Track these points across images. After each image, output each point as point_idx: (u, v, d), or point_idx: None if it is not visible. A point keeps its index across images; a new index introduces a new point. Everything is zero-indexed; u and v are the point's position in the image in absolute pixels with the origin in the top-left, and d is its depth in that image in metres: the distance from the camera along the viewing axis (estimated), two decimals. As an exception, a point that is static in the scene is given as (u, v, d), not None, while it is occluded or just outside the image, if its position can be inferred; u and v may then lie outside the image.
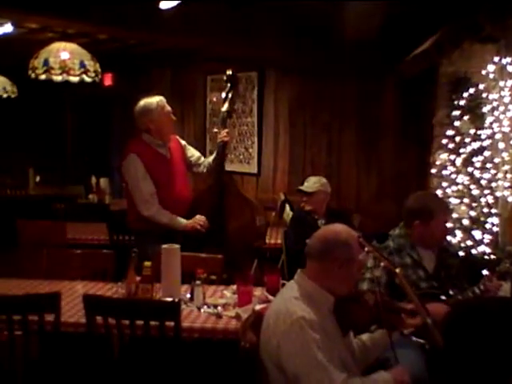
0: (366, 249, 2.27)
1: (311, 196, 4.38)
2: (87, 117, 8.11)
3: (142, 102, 3.90)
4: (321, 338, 2.09)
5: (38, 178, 7.17)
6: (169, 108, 3.94)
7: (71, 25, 4.91)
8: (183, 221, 3.85)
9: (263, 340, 2.22)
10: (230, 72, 4.16)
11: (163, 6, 4.23)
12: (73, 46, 4.94)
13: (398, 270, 2.50)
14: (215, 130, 4.27)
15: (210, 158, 4.14)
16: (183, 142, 4.16)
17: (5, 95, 6.66)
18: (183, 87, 7.28)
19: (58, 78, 4.87)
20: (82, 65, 4.85)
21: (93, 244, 4.69)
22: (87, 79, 4.96)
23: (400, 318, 2.30)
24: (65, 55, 4.80)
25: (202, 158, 4.18)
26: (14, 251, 4.61)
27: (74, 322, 2.82)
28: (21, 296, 2.84)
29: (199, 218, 3.87)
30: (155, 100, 3.89)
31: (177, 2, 4.21)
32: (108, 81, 7.74)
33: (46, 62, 4.78)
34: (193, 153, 4.16)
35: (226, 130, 4.10)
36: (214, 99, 6.97)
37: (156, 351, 2.65)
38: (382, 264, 2.65)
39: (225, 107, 4.13)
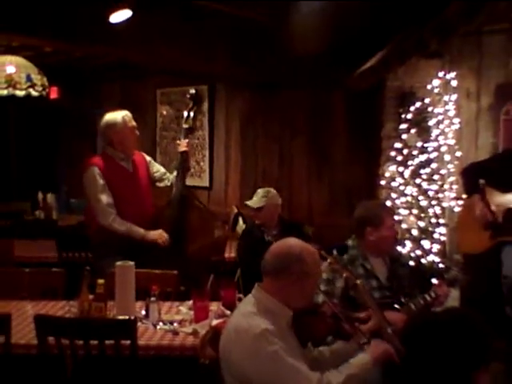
0: (328, 260, 2.30)
1: (259, 210, 4.39)
2: (33, 131, 7.92)
3: (108, 116, 3.99)
4: (285, 346, 2.10)
5: (-20, 195, 6.95)
6: (134, 123, 4.02)
7: (16, 38, 4.80)
8: (141, 231, 3.87)
9: (223, 355, 2.21)
10: (193, 91, 4.30)
11: (114, 19, 4.19)
12: (19, 59, 4.84)
13: (358, 282, 2.55)
14: (177, 142, 4.32)
15: (175, 173, 4.18)
16: (148, 158, 4.22)
17: None
18: (133, 101, 7.19)
19: (4, 92, 4.76)
20: (29, 79, 4.75)
21: (41, 262, 4.57)
22: (34, 93, 4.87)
23: (355, 327, 2.35)
24: (11, 69, 4.70)
25: (167, 174, 4.23)
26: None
27: (26, 344, 2.75)
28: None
29: (162, 234, 3.90)
30: (120, 114, 3.98)
31: (128, 16, 4.19)
32: (54, 94, 7.58)
33: (-10, 76, 4.67)
34: (158, 168, 4.22)
35: (186, 141, 4.17)
36: (164, 113, 6.95)
37: (112, 371, 2.61)
38: (344, 275, 2.69)
39: (187, 124, 4.24)
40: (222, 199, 6.40)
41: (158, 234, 3.90)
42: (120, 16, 4.14)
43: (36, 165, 7.97)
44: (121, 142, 3.94)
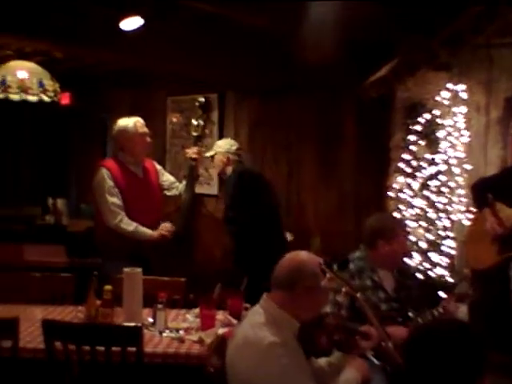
0: (328, 275, 2.31)
1: (212, 159, 4.62)
2: (44, 136, 7.97)
3: (120, 122, 4.05)
4: (293, 361, 2.11)
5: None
6: (146, 130, 4.07)
7: (27, 43, 4.83)
8: (149, 231, 3.90)
9: (230, 365, 2.22)
10: (202, 99, 4.32)
11: (124, 26, 4.22)
12: (31, 65, 4.88)
13: (358, 295, 2.55)
14: (186, 150, 4.36)
15: (184, 182, 4.22)
16: (158, 167, 4.27)
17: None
18: (143, 108, 7.20)
19: (16, 97, 4.80)
20: (41, 84, 4.79)
21: (51, 267, 4.58)
22: (46, 99, 4.91)
23: (355, 341, 2.35)
24: (22, 74, 4.74)
25: (177, 183, 4.27)
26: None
27: (33, 348, 2.76)
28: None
29: (164, 226, 3.95)
30: (132, 120, 4.03)
31: (139, 24, 4.21)
32: (65, 100, 7.63)
33: (3, 81, 4.71)
34: (168, 177, 4.27)
35: (196, 148, 4.19)
36: (174, 120, 6.97)
37: (118, 377, 2.61)
38: (343, 289, 2.69)
39: (196, 132, 4.27)
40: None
41: (162, 228, 3.94)
42: (131, 23, 4.16)
43: (47, 170, 8.03)
44: (132, 148, 3.98)
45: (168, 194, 4.21)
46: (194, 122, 4.31)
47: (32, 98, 4.85)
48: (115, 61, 5.70)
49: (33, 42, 4.81)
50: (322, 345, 2.28)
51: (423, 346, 1.73)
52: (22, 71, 4.77)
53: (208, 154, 4.63)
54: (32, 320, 3.07)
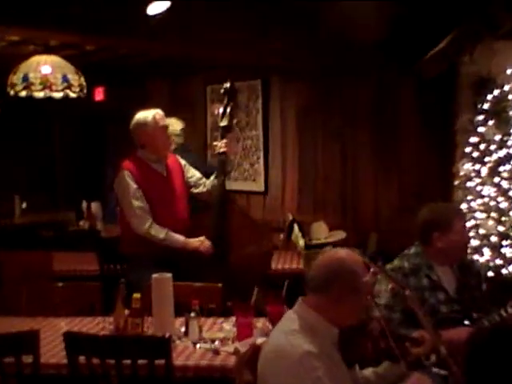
0: (372, 270, 2.25)
1: None
2: (77, 135, 8.16)
3: (138, 115, 4.02)
4: (329, 372, 2.07)
5: (24, 205, 7.21)
6: (166, 122, 4.06)
7: (52, 36, 4.94)
8: (181, 238, 3.90)
9: (261, 377, 2.19)
10: (227, 84, 4.27)
11: (151, 11, 4.27)
12: (54, 58, 4.99)
13: (407, 292, 2.48)
14: (214, 143, 4.34)
15: (212, 177, 4.19)
16: (183, 162, 4.24)
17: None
18: (181, 99, 7.32)
19: (40, 95, 4.92)
20: (65, 79, 4.89)
21: (82, 276, 4.69)
22: (72, 94, 5.01)
23: (405, 348, 2.28)
24: (46, 69, 4.85)
25: (204, 179, 4.24)
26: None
27: (56, 363, 2.81)
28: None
29: (204, 241, 3.91)
30: (151, 113, 4.00)
31: (166, 6, 4.25)
32: (99, 95, 7.80)
33: (25, 78, 4.84)
34: (193, 173, 4.23)
35: (225, 141, 4.16)
36: (216, 112, 6.99)
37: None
38: (389, 286, 2.63)
39: (223, 122, 4.22)
40: (279, 205, 6.39)
41: (200, 242, 3.92)
42: (158, 7, 4.21)
43: (82, 172, 8.22)
44: (153, 143, 3.96)
45: (195, 191, 4.19)
46: (221, 110, 4.26)
47: (57, 95, 4.96)
48: (144, 48, 5.76)
49: (58, 34, 4.94)
50: (365, 353, 2.24)
51: (487, 353, 1.65)
52: (45, 66, 4.87)
53: None
54: (56, 333, 3.13)
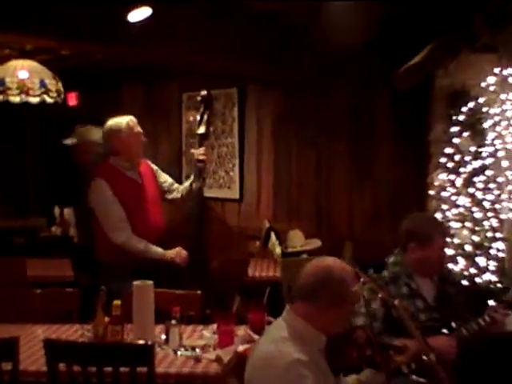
0: (362, 279, 2.27)
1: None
2: (50, 141, 8.06)
3: (111, 122, 3.97)
4: (317, 381, 2.08)
5: (-5, 211, 7.11)
6: (139, 129, 4.00)
7: (29, 40, 4.88)
8: (160, 250, 3.86)
9: (248, 384, 2.20)
10: (204, 92, 4.28)
11: (132, 18, 4.26)
12: (31, 63, 4.93)
13: (396, 302, 2.51)
14: (192, 150, 4.33)
15: (187, 183, 4.17)
16: (155, 167, 4.20)
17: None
18: (156, 106, 7.30)
19: (16, 99, 4.85)
20: (43, 84, 4.84)
21: (57, 282, 4.62)
22: (49, 100, 4.95)
23: (389, 356, 2.31)
24: (23, 74, 4.79)
25: (176, 184, 4.22)
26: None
27: (35, 371, 2.78)
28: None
29: (180, 252, 3.88)
30: (125, 119, 3.95)
31: (147, 15, 4.24)
32: (72, 101, 7.73)
33: (1, 82, 4.77)
34: (165, 178, 4.20)
35: (203, 148, 4.15)
36: (191, 118, 6.99)
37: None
38: (379, 295, 2.66)
39: (201, 129, 4.22)
40: (254, 212, 6.40)
41: (176, 252, 3.88)
42: (139, 14, 4.20)
43: (54, 177, 8.12)
44: (127, 150, 3.90)
45: (169, 197, 4.16)
46: (198, 118, 4.27)
47: (34, 100, 4.89)
48: (124, 55, 5.74)
49: (33, 38, 4.88)
50: (351, 361, 2.26)
51: (479, 364, 1.68)
52: (22, 71, 4.81)
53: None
54: (34, 340, 3.10)
